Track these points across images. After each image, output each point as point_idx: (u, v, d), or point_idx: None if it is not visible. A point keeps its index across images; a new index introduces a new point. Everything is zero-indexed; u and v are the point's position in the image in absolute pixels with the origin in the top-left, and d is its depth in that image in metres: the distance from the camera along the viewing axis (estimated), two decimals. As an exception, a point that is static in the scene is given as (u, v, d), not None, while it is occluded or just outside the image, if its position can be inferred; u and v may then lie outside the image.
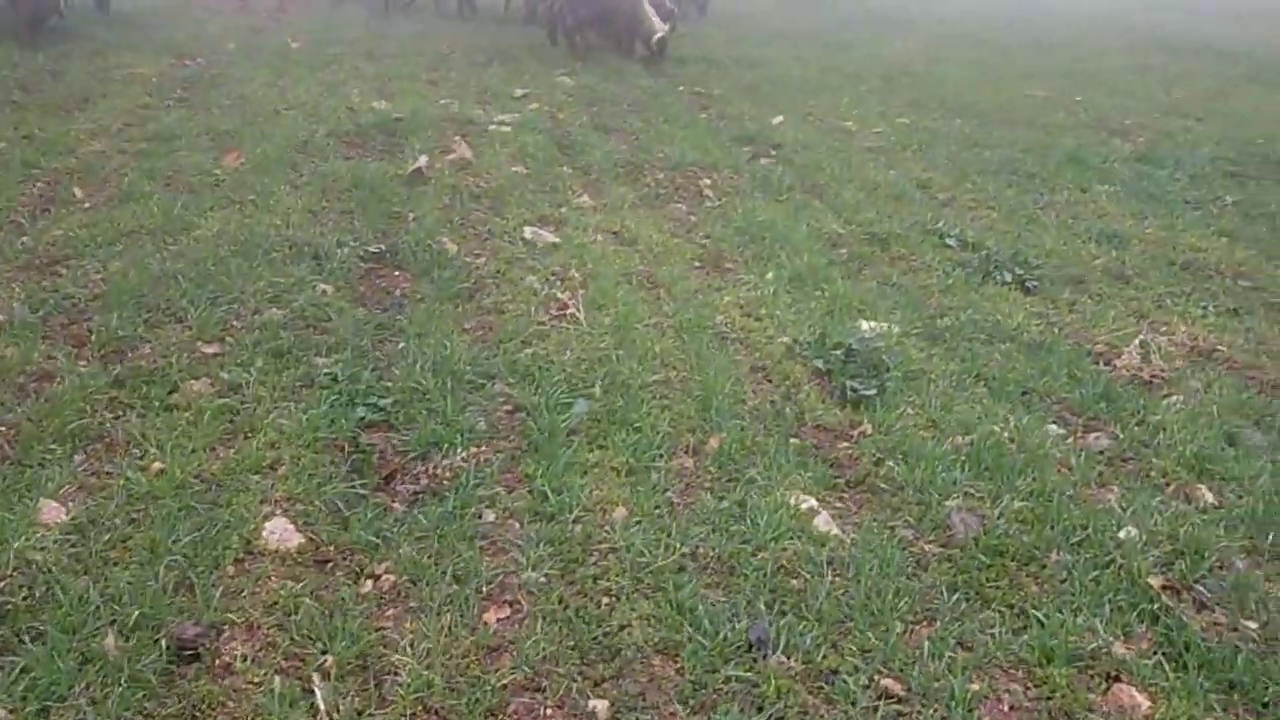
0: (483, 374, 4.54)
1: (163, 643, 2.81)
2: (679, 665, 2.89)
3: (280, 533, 3.35)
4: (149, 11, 15.10)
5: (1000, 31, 21.57)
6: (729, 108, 11.09)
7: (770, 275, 6.11)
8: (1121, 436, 4.35)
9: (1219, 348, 5.43)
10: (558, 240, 6.42)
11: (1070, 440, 4.31)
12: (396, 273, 5.85)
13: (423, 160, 7.52)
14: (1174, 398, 4.75)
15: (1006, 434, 4.25)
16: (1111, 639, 3.01)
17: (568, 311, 5.22)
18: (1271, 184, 9.01)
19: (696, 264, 6.34)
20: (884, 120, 11.01)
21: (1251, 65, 18.04)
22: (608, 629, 3.01)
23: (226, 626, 2.95)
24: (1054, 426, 4.43)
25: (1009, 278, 6.30)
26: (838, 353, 4.84)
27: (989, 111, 11.86)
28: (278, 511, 3.47)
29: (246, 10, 16.97)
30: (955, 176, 8.85)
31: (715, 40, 16.34)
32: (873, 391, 4.52)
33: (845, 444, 4.20)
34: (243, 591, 3.09)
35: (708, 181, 8.09)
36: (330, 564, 3.28)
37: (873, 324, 5.38)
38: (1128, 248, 7.09)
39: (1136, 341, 5.24)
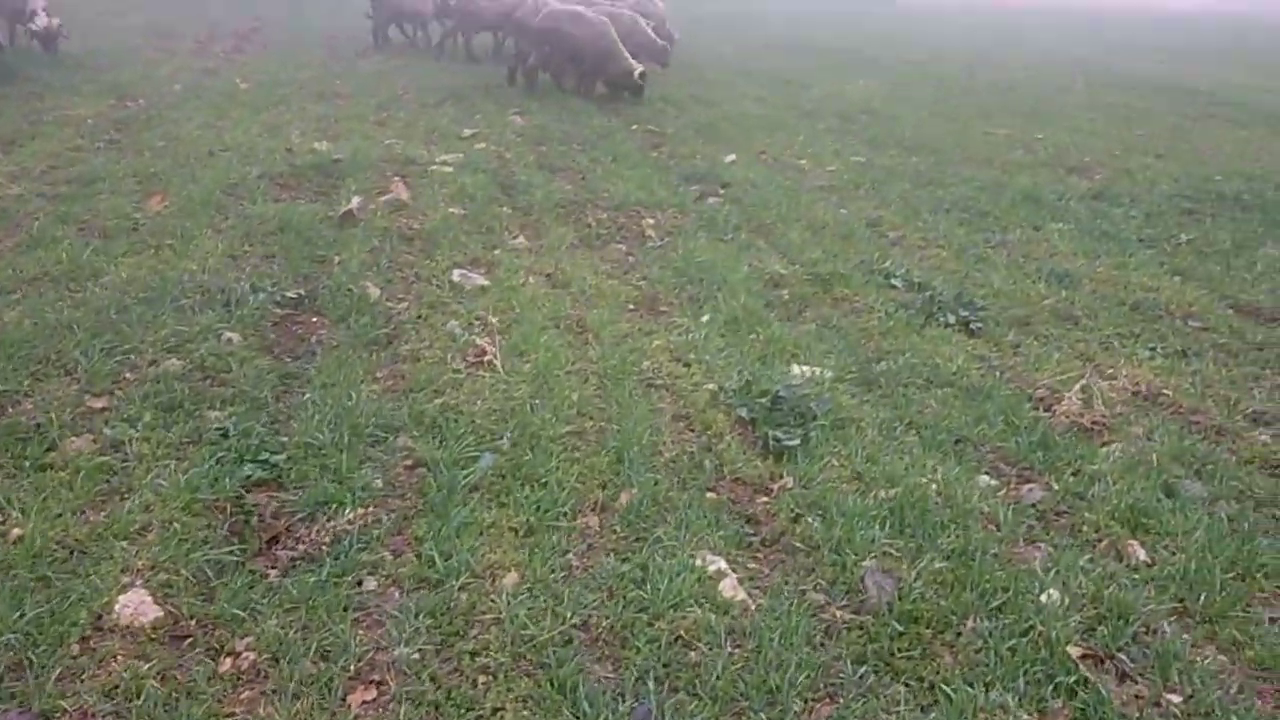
0: (387, 426, 4.32)
1: (-21, 736, 2.56)
2: (553, 753, 2.66)
3: (135, 606, 3.11)
4: (101, 53, 14.93)
5: (964, 71, 21.69)
6: (682, 146, 10.99)
7: (706, 318, 5.95)
8: (1056, 488, 4.17)
9: (1164, 391, 5.28)
10: (487, 283, 6.23)
11: (1002, 493, 4.13)
12: (314, 319, 5.64)
13: (355, 202, 7.34)
14: (1114, 445, 4.58)
15: (934, 487, 4.06)
16: (1025, 716, 2.80)
17: (485, 359, 5.02)
18: (1226, 221, 8.95)
19: (630, 307, 6.16)
20: (838, 158, 10.93)
21: (1211, 102, 18.19)
22: (479, 713, 2.77)
23: (58, 715, 2.70)
24: (986, 477, 4.25)
25: (953, 319, 6.15)
26: (763, 400, 4.65)
27: (946, 150, 11.81)
28: (138, 582, 3.23)
29: (203, 53, 16.85)
30: (906, 215, 8.74)
31: (674, 80, 16.30)
32: (796, 441, 4.33)
33: (764, 498, 4.00)
34: (83, 673, 2.85)
35: (651, 221, 7.94)
36: (188, 640, 3.04)
37: (805, 369, 5.21)
38: (1078, 287, 6.97)
39: (1078, 386, 5.08)
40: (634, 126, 11.97)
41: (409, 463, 4.08)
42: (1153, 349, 5.91)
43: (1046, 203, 9.34)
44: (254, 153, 8.92)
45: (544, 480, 3.94)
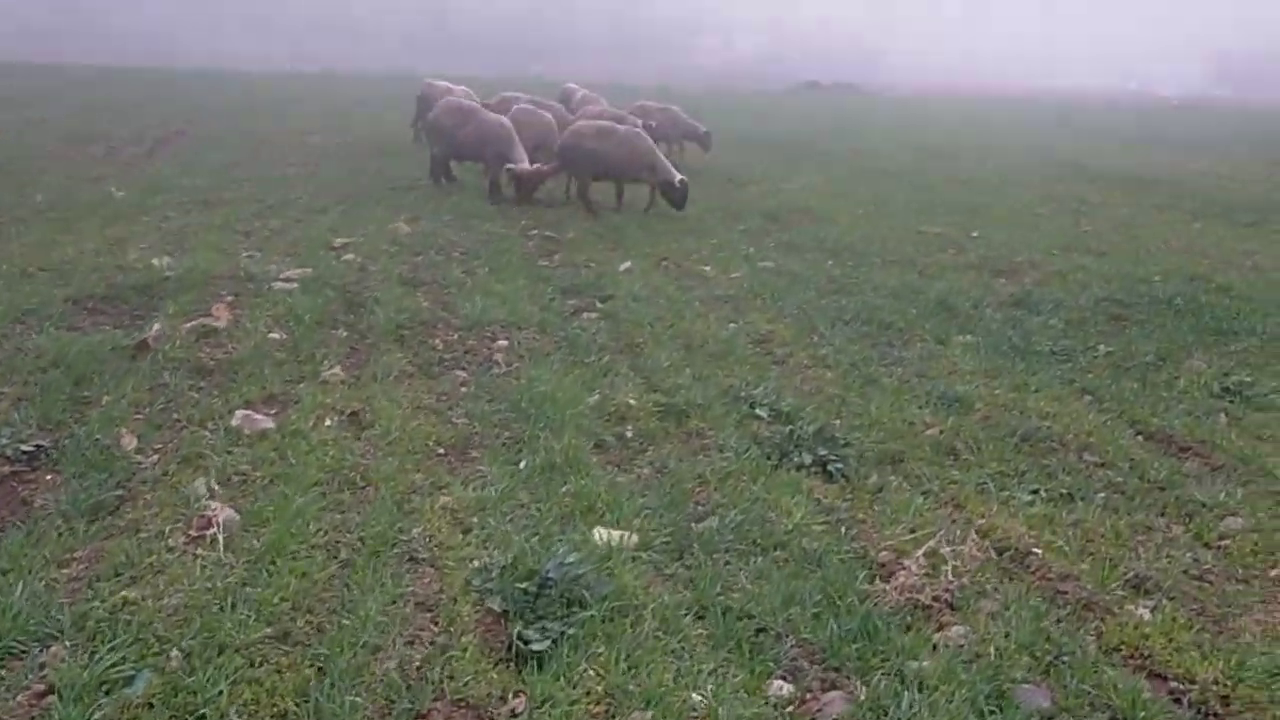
0: (38, 634, 3.57)
1: None
2: None
3: None
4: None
5: (919, 164, 21.50)
6: (577, 254, 10.44)
7: (522, 464, 5.26)
8: (864, 698, 3.43)
9: (1035, 550, 4.57)
10: (272, 426, 5.53)
11: (793, 707, 3.39)
12: (48, 476, 4.92)
13: (154, 330, 6.70)
14: (953, 631, 3.85)
15: (703, 705, 3.32)
16: None
17: (208, 533, 4.29)
18: (1155, 328, 8.37)
19: (439, 450, 5.46)
20: (747, 264, 10.39)
21: (1171, 194, 17.93)
22: None
23: None
24: (781, 683, 3.52)
25: (809, 459, 5.47)
26: (527, 585, 3.91)
27: (869, 252, 11.31)
28: None
29: (110, 159, 16.47)
30: (801, 328, 8.14)
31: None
32: (546, 644, 3.59)
33: (482, 730, 3.25)
34: None
35: (504, 343, 7.30)
36: None
37: (609, 534, 4.49)
38: (968, 414, 6.32)
39: (924, 550, 4.37)
40: (532, 232, 11.45)
41: (40, 688, 3.32)
42: (1036, 491, 5.24)
43: (960, 311, 8.76)
44: (75, 271, 8.30)
45: (199, 714, 3.18)
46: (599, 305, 8.49)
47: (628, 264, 9.97)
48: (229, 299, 7.87)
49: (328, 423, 5.66)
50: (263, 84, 41.88)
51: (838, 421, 6.11)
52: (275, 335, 7.03)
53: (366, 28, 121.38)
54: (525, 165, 13.52)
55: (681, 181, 13.09)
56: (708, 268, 10.14)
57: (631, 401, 6.24)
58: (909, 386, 6.82)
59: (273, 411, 5.79)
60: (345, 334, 7.30)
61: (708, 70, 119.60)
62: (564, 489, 4.97)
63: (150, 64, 57.43)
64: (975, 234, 12.83)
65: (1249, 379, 7.06)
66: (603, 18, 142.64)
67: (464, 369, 6.82)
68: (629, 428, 5.91)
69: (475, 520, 4.61)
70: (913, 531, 4.73)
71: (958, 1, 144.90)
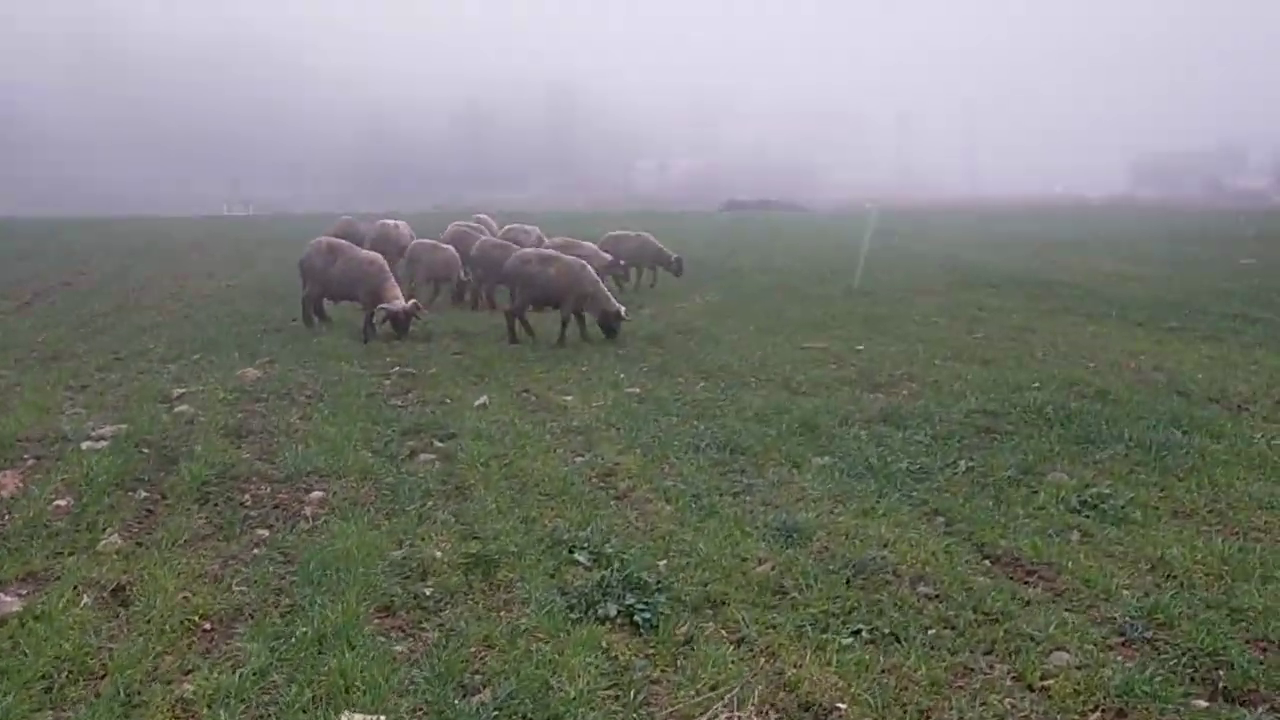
0: None
1: None
2: None
3: None
4: None
5: (823, 279, 21.65)
6: (434, 390, 10.09)
7: (294, 637, 4.78)
8: None
9: (840, 704, 4.19)
10: (17, 609, 5.01)
11: None
12: None
13: (-85, 504, 6.16)
14: (719, 815, 3.42)
15: None
16: None
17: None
18: (1022, 440, 8.17)
19: (204, 626, 4.97)
20: (614, 391, 10.10)
21: (1071, 297, 18.19)
22: None
23: None
24: None
25: (615, 610, 5.07)
26: (225, 792, 3.43)
27: (745, 371, 11.10)
28: None
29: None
30: (652, 459, 7.80)
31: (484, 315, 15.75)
32: None
33: None
34: None
35: (320, 495, 6.86)
36: None
37: (357, 718, 4.02)
38: (806, 545, 5.98)
39: (706, 717, 3.96)
40: (393, 370, 11.11)
41: None
42: (857, 632, 4.87)
43: (823, 431, 8.50)
44: None
45: None
46: (437, 445, 8.10)
47: (484, 399, 9.64)
48: (29, 463, 7.37)
49: (84, 601, 5.16)
50: (182, 227, 41.66)
51: (663, 563, 5.75)
52: (61, 502, 6.52)
53: (309, 169, 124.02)
54: (400, 303, 13.30)
55: (619, 314, 13.10)
56: (570, 397, 9.84)
57: (438, 554, 5.82)
58: (749, 517, 6.47)
59: (25, 591, 5.28)
60: (144, 495, 6.81)
61: (642, 193, 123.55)
62: (326, 667, 4.50)
63: (87, 213, 57.26)
64: (860, 347, 12.73)
65: (1108, 490, 6.83)
66: (540, 144, 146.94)
67: (269, 527, 6.36)
68: (430, 584, 5.48)
69: (208, 713, 4.12)
70: (713, 689, 4.34)
71: (888, 121, 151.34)
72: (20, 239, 33.79)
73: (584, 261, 13.78)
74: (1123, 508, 6.50)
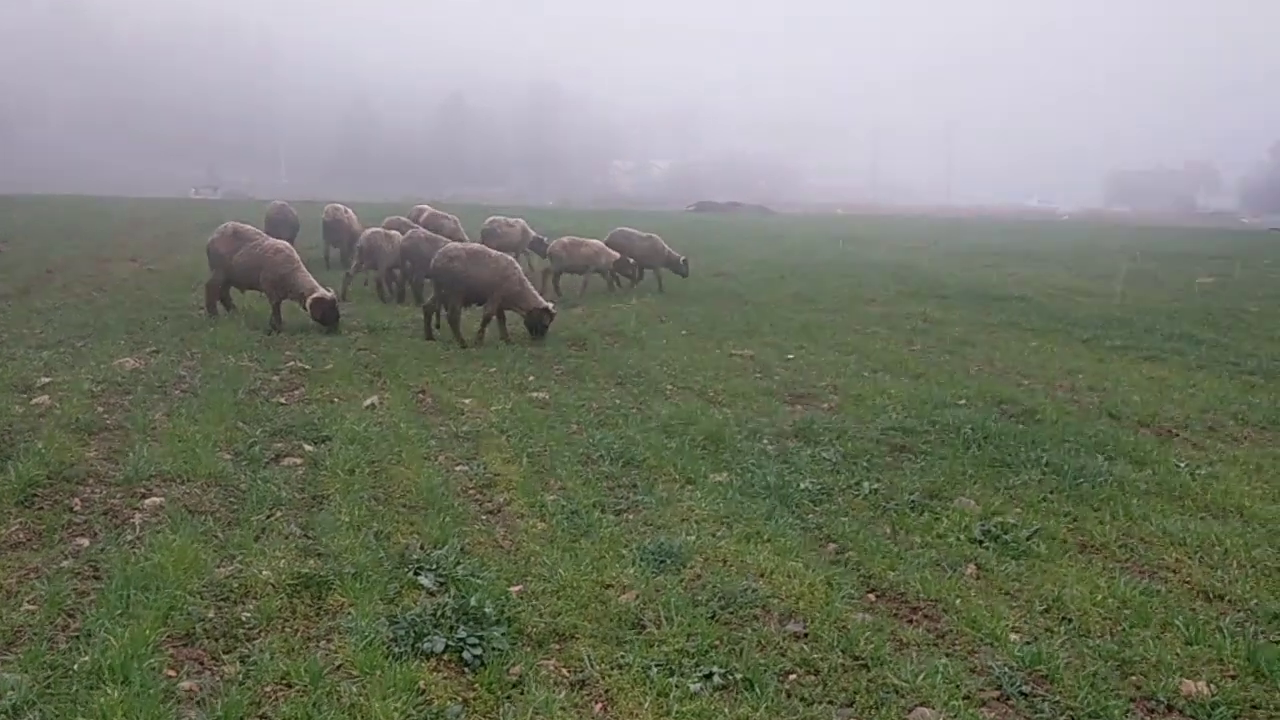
0: None
1: None
2: None
3: None
4: None
5: (770, 283, 21.27)
6: (323, 388, 9.54)
7: (76, 665, 4.25)
8: None
9: (666, 766, 3.72)
10: None
11: None
12: None
13: None
14: None
15: None
16: None
17: None
18: (935, 460, 7.78)
19: (-26, 652, 4.43)
20: (518, 394, 9.61)
21: (1018, 311, 17.89)
22: None
23: None
24: None
25: (443, 646, 4.57)
26: None
27: (663, 378, 10.65)
28: None
29: None
30: (540, 469, 7.33)
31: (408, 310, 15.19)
32: None
33: None
34: None
35: (158, 501, 6.31)
36: None
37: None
38: (679, 571, 5.53)
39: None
40: (289, 364, 10.54)
41: None
42: (709, 676, 4.41)
43: (729, 444, 8.06)
44: None
45: None
46: (306, 449, 7.57)
47: (373, 399, 9.12)
48: None
49: None
50: (128, 208, 40.61)
51: (516, 588, 5.27)
52: None
53: (289, 156, 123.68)
54: (324, 291, 12.78)
55: (547, 311, 12.70)
56: (468, 400, 9.33)
57: (266, 573, 5.29)
58: (626, 538, 6.01)
59: None
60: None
61: (621, 192, 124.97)
62: (95, 705, 3.97)
63: (59, 190, 56.17)
64: (791, 355, 12.32)
65: (1015, 520, 6.43)
66: (521, 141, 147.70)
67: (91, 536, 5.81)
68: (249, 608, 4.96)
69: (-71, 759, 3.59)
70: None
71: (867, 127, 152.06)
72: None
73: (511, 258, 13.25)
74: (1027, 539, 6.10)
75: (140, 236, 28.34)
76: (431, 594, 5.18)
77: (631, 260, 19.24)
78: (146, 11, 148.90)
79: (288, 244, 13.31)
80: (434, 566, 5.47)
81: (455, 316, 12.55)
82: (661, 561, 5.65)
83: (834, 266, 25.79)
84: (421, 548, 5.73)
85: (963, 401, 9.83)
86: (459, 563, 5.51)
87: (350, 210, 21.46)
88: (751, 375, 11.04)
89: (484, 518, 6.41)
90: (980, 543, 6.10)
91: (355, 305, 15.35)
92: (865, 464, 7.68)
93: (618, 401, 9.48)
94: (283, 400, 9.03)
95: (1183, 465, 7.79)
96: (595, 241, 18.39)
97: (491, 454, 7.70)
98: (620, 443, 7.98)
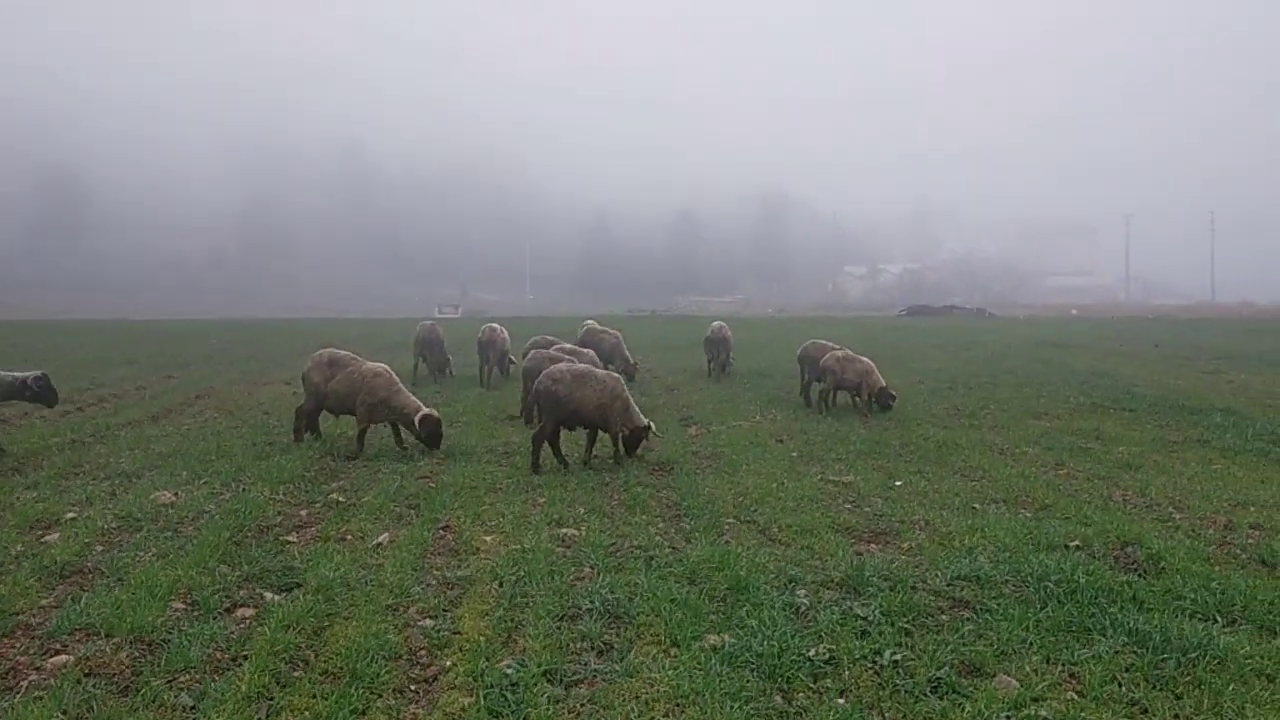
0: None
1: None
2: None
3: None
4: None
5: (929, 395, 19.86)
6: (342, 524, 9.14)
7: None
8: None
9: None
10: None
11: None
12: None
13: None
14: None
15: None
16: None
17: None
18: (997, 620, 6.54)
19: None
20: (552, 528, 8.91)
21: (1216, 426, 15.85)
22: None
23: None
24: None
25: None
26: None
27: (729, 509, 9.73)
28: None
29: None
30: (510, 626, 6.56)
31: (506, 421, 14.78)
32: None
33: None
34: None
35: (65, 660, 5.94)
36: None
37: None
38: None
39: None
40: (322, 498, 10.22)
41: None
42: None
43: (752, 596, 7.09)
44: None
45: None
46: (268, 597, 7.09)
47: (385, 535, 8.63)
48: None
49: None
50: (347, 327, 43.21)
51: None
52: None
53: (533, 274, 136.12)
54: (430, 410, 12.74)
55: (649, 429, 12.35)
56: (490, 537, 8.70)
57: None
58: (552, 725, 5.15)
59: None
60: None
61: (850, 298, 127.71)
62: None
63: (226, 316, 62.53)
64: (899, 483, 11.10)
65: (1056, 711, 5.16)
66: (752, 248, 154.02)
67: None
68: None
69: None
70: None
71: (1115, 225, 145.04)
72: (177, 339, 35.48)
73: (619, 377, 12.71)
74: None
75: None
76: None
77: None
78: (420, 153, 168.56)
79: (386, 367, 13.26)
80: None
81: (555, 439, 12.13)
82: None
83: (1017, 375, 23.90)
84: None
85: (1075, 543, 8.42)
86: None
87: (504, 329, 22.76)
88: (837, 507, 9.93)
89: (410, 689, 5.70)
90: (1004, 747, 4.90)
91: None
92: (905, 625, 6.52)
93: (658, 539, 8.62)
94: (291, 539, 8.65)
95: (1319, 642, 6.21)
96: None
97: (471, 605, 7.00)
98: (624, 591, 7.13)
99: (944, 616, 6.74)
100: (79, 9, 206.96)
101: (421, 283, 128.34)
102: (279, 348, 33.28)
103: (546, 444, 11.98)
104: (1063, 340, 38.96)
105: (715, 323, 25.11)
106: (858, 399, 17.54)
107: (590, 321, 24.65)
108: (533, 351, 17.24)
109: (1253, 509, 9.94)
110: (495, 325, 22.69)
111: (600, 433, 12.42)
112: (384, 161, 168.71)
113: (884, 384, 17.66)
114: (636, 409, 12.39)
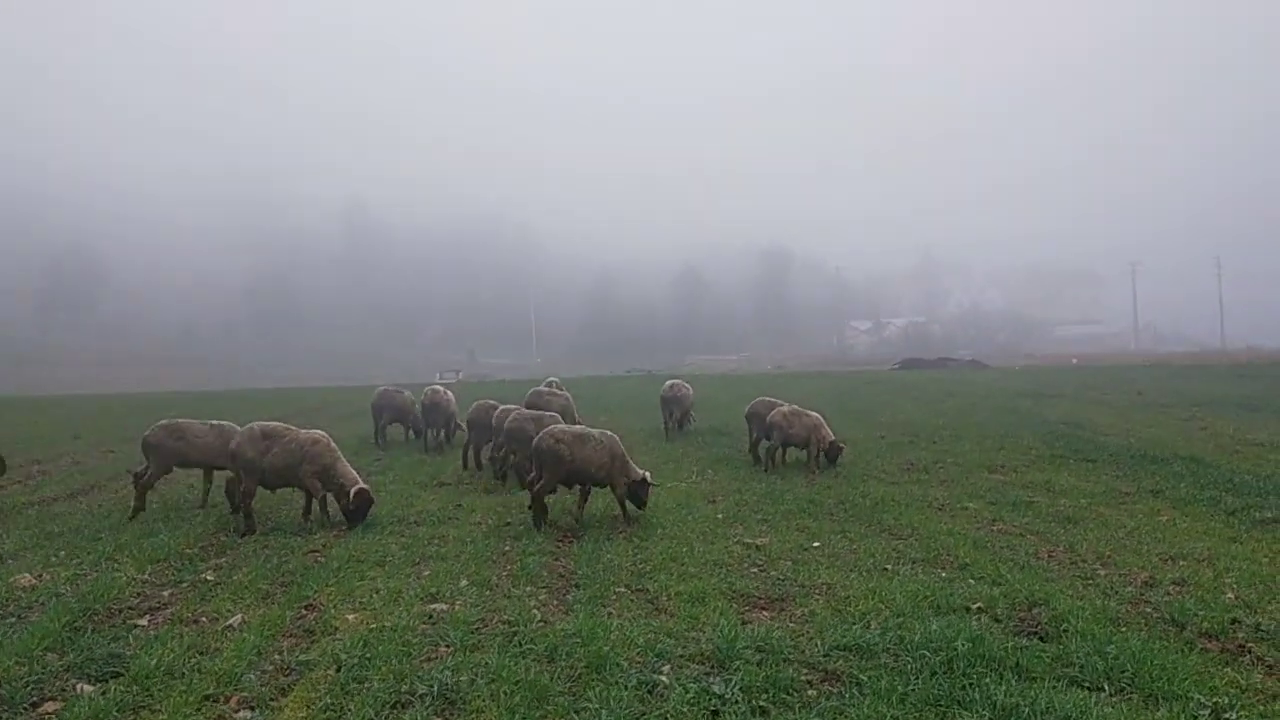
0: None
1: None
2: None
3: None
4: None
5: (887, 449, 19.44)
6: (203, 604, 8.67)
7: None
8: None
9: None
10: None
11: None
12: None
13: None
14: None
15: None
16: None
17: None
18: (864, 696, 6.07)
19: None
20: (424, 603, 8.44)
21: (1174, 476, 15.46)
22: None
23: None
24: None
25: None
26: None
27: (621, 578, 9.27)
28: None
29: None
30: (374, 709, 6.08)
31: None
32: None
33: None
34: None
35: None
36: None
37: None
38: None
39: None
40: (202, 575, 9.75)
41: None
42: None
43: (607, 676, 6.62)
44: None
45: None
46: (81, 689, 6.61)
47: (239, 618, 8.17)
48: None
49: None
50: (334, 396, 42.77)
51: None
52: None
53: (543, 335, 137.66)
54: (364, 484, 12.36)
55: (645, 481, 12.44)
56: (354, 615, 8.23)
57: None
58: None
59: None
60: None
61: (856, 353, 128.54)
62: None
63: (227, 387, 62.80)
64: (816, 544, 10.66)
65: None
66: (756, 305, 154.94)
67: None
68: None
69: None
70: None
71: (1120, 273, 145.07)
72: (143, 412, 35.00)
73: (615, 435, 12.58)
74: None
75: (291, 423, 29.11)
76: None
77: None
78: (425, 218, 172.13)
79: (324, 434, 12.80)
80: None
81: (546, 491, 12.30)
82: None
83: (985, 428, 23.42)
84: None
85: (978, 605, 8.00)
86: None
87: (449, 392, 22.41)
88: (741, 571, 9.49)
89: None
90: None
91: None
92: (764, 702, 6.09)
93: (532, 613, 8.17)
94: (142, 622, 8.19)
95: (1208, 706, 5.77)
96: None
97: (300, 693, 6.56)
98: (469, 673, 6.69)
99: (810, 691, 6.31)
100: (78, 113, 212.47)
101: (431, 349, 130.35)
102: (236, 418, 32.73)
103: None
104: (1044, 390, 38.53)
105: (670, 380, 24.85)
106: (808, 454, 17.17)
107: (552, 380, 24.65)
108: (476, 402, 18.18)
109: (1182, 563, 9.52)
110: (439, 388, 22.35)
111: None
112: (392, 233, 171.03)
113: (833, 438, 17.30)
114: (632, 463, 12.59)
